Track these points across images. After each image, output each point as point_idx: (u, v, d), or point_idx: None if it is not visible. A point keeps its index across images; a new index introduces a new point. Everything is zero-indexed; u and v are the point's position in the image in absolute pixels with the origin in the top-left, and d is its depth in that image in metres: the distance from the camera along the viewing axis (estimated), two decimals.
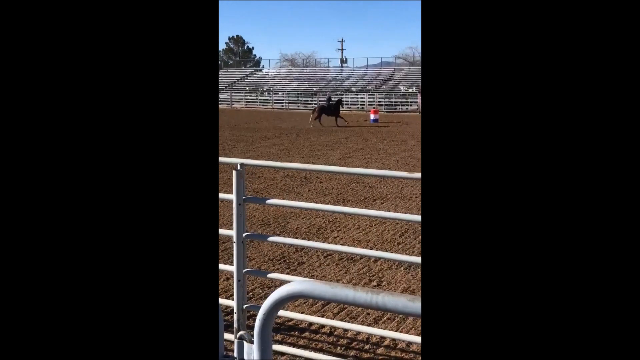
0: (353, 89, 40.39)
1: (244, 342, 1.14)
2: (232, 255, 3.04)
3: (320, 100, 30.83)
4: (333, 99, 26.05)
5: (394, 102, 37.28)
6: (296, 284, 1.01)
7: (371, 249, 5.26)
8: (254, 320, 3.79)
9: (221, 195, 3.56)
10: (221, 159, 3.63)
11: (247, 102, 40.61)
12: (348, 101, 38.06)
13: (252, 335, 1.12)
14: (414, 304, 0.90)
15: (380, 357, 3.38)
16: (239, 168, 2.98)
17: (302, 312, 3.73)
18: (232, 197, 3.03)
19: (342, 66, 52.98)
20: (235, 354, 1.16)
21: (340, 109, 24.17)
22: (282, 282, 4.35)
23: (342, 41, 62.29)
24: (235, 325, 3.05)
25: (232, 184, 3.04)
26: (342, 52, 60.89)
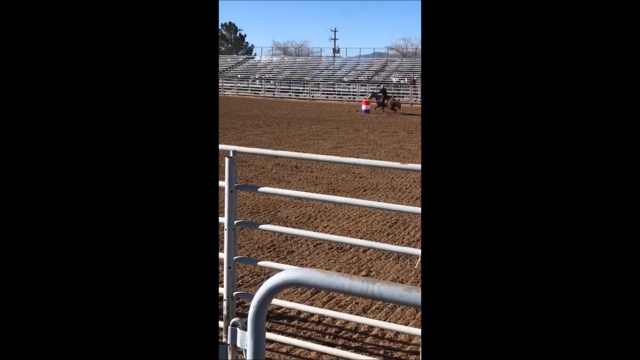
0: (345, 79, 40.29)
1: (237, 329, 1.14)
2: (222, 243, 3.03)
3: (370, 91, 32.17)
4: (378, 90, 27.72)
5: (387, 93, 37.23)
6: (292, 271, 1.01)
7: (361, 239, 5.27)
8: (243, 307, 3.76)
9: None
10: None
11: (238, 89, 40.36)
12: (340, 91, 38.00)
13: (245, 323, 1.11)
14: (410, 294, 0.90)
15: (368, 347, 3.40)
16: (231, 155, 2.96)
17: (291, 300, 3.74)
18: (224, 184, 3.01)
19: (334, 56, 52.80)
20: (228, 341, 1.15)
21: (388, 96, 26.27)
22: (272, 270, 4.36)
23: (335, 31, 62.04)
24: (225, 312, 3.05)
25: (222, 171, 3.02)
26: (334, 42, 60.57)
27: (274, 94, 38.63)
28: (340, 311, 3.74)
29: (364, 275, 4.71)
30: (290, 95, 38.31)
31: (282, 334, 3.38)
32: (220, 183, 3.12)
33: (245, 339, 1.07)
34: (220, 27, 66.52)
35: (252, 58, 50.44)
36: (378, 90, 28.02)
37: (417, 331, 2.95)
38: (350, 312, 3.75)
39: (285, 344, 3.24)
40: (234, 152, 2.99)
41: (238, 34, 67.30)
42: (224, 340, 1.25)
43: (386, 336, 3.52)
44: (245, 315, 1.07)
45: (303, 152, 11.09)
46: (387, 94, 26.87)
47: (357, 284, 0.94)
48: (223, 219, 3.09)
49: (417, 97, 32.83)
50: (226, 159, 2.97)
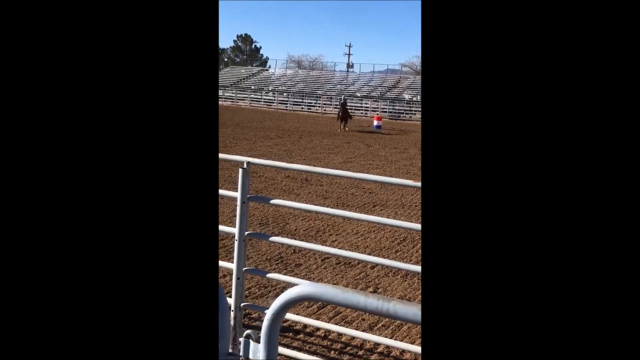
0: (358, 94, 40.43)
1: (250, 340, 1.14)
2: (231, 253, 3.04)
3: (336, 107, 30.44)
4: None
5: (398, 109, 37.33)
6: (307, 286, 1.01)
7: (369, 254, 5.26)
8: (249, 319, 3.75)
9: (223, 192, 3.57)
10: (225, 156, 3.63)
11: (251, 100, 40.62)
12: (352, 106, 38.13)
13: (257, 334, 1.12)
14: None
15: None
16: (245, 166, 2.98)
17: (297, 314, 3.73)
18: (237, 194, 3.03)
19: (348, 71, 53.03)
20: (241, 352, 1.16)
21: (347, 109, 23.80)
22: (280, 283, 4.36)
23: (349, 46, 62.42)
24: (232, 323, 3.05)
25: (233, 181, 3.04)
26: (349, 57, 60.91)
27: (286, 107, 38.83)
28: (347, 327, 3.72)
29: (371, 292, 4.69)
30: (302, 108, 38.48)
31: (287, 347, 3.37)
32: (233, 194, 3.14)
33: (257, 351, 1.07)
34: (235, 39, 67.20)
35: (267, 70, 50.80)
36: (340, 105, 24.66)
37: None
38: (357, 328, 3.73)
39: (290, 357, 3.22)
40: (248, 163, 3.01)
41: (253, 46, 67.90)
42: (230, 350, 1.26)
43: (392, 354, 3.50)
44: (251, 327, 1.08)
45: (313, 165, 11.12)
46: (347, 107, 23.77)
47: (372, 301, 0.94)
48: (234, 230, 3.10)
49: None
50: (240, 170, 2.99)
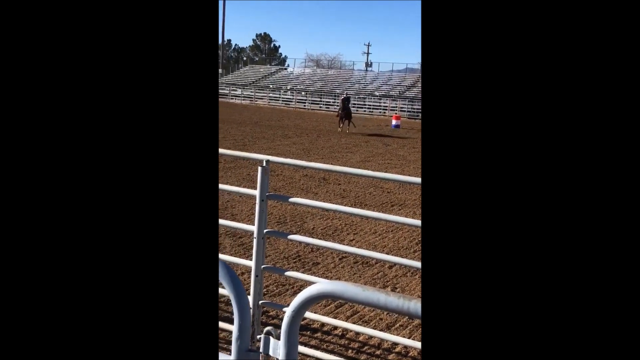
0: (376, 93, 40.30)
1: (271, 337, 1.15)
2: (249, 250, 3.05)
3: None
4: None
5: (417, 109, 37.11)
6: (327, 284, 1.01)
7: (387, 254, 5.24)
8: (267, 316, 3.77)
9: (243, 190, 3.59)
10: (244, 154, 3.65)
11: (270, 99, 40.77)
12: (370, 105, 38.03)
13: (278, 332, 1.12)
14: None
15: None
16: (264, 165, 3.00)
17: (315, 312, 3.74)
18: (256, 192, 3.04)
19: (366, 70, 52.91)
20: (261, 349, 1.16)
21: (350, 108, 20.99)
22: (298, 281, 4.37)
23: (368, 45, 62.23)
24: (250, 320, 3.07)
25: (252, 179, 3.06)
26: (367, 56, 60.75)
27: (304, 105, 38.88)
28: (365, 326, 3.71)
29: (390, 291, 4.68)
30: (320, 107, 38.49)
31: (305, 346, 3.37)
32: (252, 191, 3.16)
33: (277, 348, 1.08)
34: (254, 38, 67.50)
35: (285, 69, 50.92)
36: (340, 101, 21.24)
37: None
38: (375, 328, 3.72)
39: (308, 356, 3.23)
40: (267, 161, 3.02)
41: (272, 45, 68.14)
42: (250, 347, 1.26)
43: (410, 354, 3.48)
44: (269, 325, 1.08)
45: (332, 164, 11.12)
46: (347, 105, 20.74)
47: (393, 300, 0.94)
48: (253, 227, 3.12)
49: None
50: (259, 168, 3.00)
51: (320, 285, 1.01)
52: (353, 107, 37.37)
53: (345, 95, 22.45)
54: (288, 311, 1.05)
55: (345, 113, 20.20)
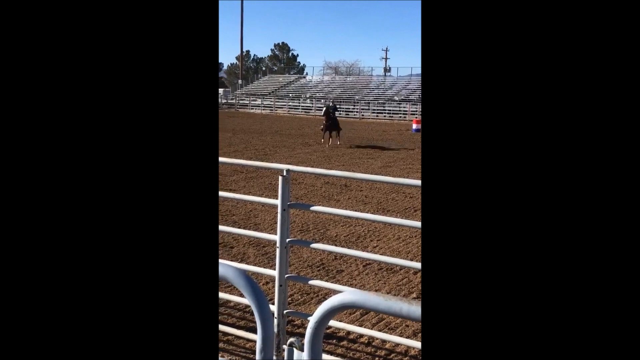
0: (396, 98, 40.17)
1: (294, 349, 1.15)
2: (273, 260, 3.06)
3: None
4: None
5: None
6: (349, 294, 1.01)
7: (411, 260, 5.20)
8: (292, 325, 3.75)
9: (264, 200, 3.60)
10: (265, 164, 3.67)
11: (289, 108, 40.96)
12: (390, 110, 37.90)
13: (302, 342, 1.12)
14: None
15: None
16: (285, 174, 3.00)
17: (340, 321, 3.72)
18: (277, 202, 3.05)
19: (385, 75, 52.80)
20: None
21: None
22: (322, 289, 4.35)
23: (386, 50, 62.07)
24: (275, 330, 3.07)
25: (274, 188, 3.07)
26: (386, 61, 60.64)
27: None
28: (391, 333, 3.68)
29: (414, 298, 4.63)
30: (340, 114, 38.53)
31: (331, 354, 3.36)
32: (274, 201, 3.17)
33: (302, 359, 1.07)
34: (273, 47, 67.99)
35: (304, 77, 51.15)
36: (325, 108, 17.67)
37: None
38: (401, 335, 3.69)
39: None
40: (288, 170, 3.03)
41: (290, 54, 68.53)
42: (275, 358, 1.26)
43: None
44: (295, 334, 1.08)
45: (353, 170, 11.09)
46: (332, 115, 17.14)
47: (415, 309, 0.93)
48: (275, 237, 3.12)
49: None
50: (280, 178, 3.01)
51: (342, 295, 1.00)
52: (373, 112, 37.27)
53: (329, 104, 19.12)
54: (311, 322, 1.04)
55: (331, 124, 16.94)
